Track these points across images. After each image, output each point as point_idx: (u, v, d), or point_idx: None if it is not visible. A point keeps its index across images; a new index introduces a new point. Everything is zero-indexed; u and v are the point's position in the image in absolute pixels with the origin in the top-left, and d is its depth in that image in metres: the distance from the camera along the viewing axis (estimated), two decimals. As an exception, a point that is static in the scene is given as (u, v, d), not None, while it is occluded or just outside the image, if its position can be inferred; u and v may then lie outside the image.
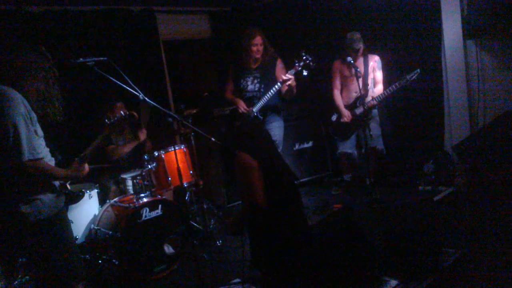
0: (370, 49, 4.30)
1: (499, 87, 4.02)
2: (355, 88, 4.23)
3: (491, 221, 3.00)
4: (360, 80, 4.06)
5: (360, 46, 4.14)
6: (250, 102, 3.95)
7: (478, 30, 3.98)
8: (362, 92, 4.17)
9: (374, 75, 4.30)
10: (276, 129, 4.03)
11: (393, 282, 2.62)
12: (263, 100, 3.85)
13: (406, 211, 3.58)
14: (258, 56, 3.90)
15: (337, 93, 4.46)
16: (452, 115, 4.35)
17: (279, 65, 3.97)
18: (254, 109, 3.89)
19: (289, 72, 3.71)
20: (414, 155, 4.68)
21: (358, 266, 2.43)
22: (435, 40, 4.36)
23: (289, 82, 3.67)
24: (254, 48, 3.86)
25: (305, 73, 3.70)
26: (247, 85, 3.96)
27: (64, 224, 2.29)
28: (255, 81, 3.94)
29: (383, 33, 4.65)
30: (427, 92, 4.51)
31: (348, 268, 2.41)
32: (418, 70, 3.92)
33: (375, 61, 4.28)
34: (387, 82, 4.27)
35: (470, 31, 4.05)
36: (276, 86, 3.77)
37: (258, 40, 3.85)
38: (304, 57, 3.68)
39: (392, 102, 4.78)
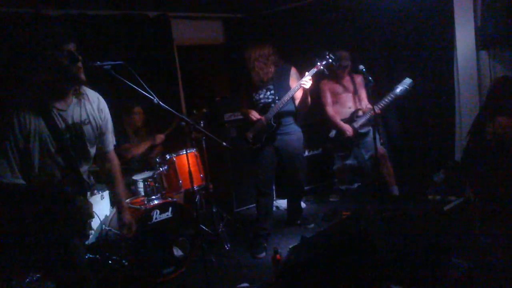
0: (383, 56, 4.34)
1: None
2: (348, 103, 4.48)
3: (501, 232, 2.98)
4: (351, 96, 4.45)
5: (348, 63, 4.30)
6: (263, 110, 3.76)
7: (491, 41, 3.98)
8: (358, 105, 4.44)
9: (360, 93, 4.48)
10: (295, 141, 3.85)
11: (400, 291, 2.61)
12: (278, 106, 3.65)
13: (416, 220, 3.57)
14: (262, 76, 3.73)
15: (331, 110, 4.54)
16: (464, 125, 4.33)
17: (294, 74, 3.80)
18: (269, 115, 3.69)
19: (309, 71, 3.53)
20: (425, 164, 4.66)
21: (365, 272, 2.43)
22: (448, 50, 4.36)
23: (307, 85, 3.50)
24: (256, 69, 3.72)
25: (326, 72, 3.64)
26: (260, 98, 3.79)
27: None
28: (268, 92, 3.77)
29: (396, 43, 4.66)
30: (439, 102, 4.51)
31: (355, 274, 2.42)
32: (407, 78, 4.01)
33: (360, 80, 4.46)
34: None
35: (483, 41, 4.05)
36: (292, 91, 3.60)
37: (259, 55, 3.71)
38: (327, 56, 3.57)
39: (403, 111, 4.78)
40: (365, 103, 4.43)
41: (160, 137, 4.11)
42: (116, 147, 3.77)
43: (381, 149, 4.34)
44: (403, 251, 2.83)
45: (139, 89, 2.52)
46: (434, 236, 3.02)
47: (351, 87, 4.50)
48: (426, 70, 4.51)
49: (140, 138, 4.17)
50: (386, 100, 4.09)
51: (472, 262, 2.85)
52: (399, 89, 4.02)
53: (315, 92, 4.37)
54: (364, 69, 3.82)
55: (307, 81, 3.49)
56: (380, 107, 4.11)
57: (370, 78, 3.88)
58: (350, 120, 4.45)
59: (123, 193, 2.49)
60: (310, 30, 5.24)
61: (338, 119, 4.48)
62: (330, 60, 3.58)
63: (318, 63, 3.56)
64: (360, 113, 4.41)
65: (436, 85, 4.51)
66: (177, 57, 5.07)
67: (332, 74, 4.25)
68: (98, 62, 2.41)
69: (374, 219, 3.12)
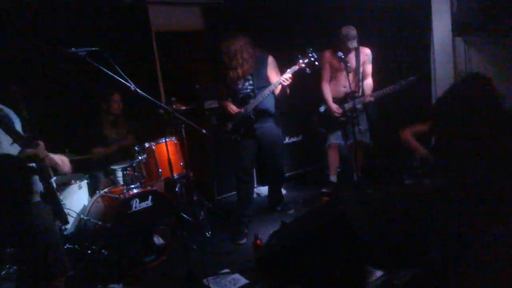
0: (361, 42, 4.25)
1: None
2: (344, 82, 4.24)
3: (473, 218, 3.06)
4: (351, 74, 4.07)
5: (355, 45, 4.10)
6: (243, 101, 3.78)
7: (466, 28, 4.04)
8: (353, 87, 4.16)
9: (364, 68, 4.28)
10: (274, 129, 3.91)
11: (378, 273, 2.68)
12: (257, 99, 3.67)
13: (392, 204, 3.64)
14: (244, 72, 3.70)
15: (326, 86, 4.37)
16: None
17: (271, 63, 3.81)
18: (248, 108, 3.72)
19: (291, 68, 3.54)
20: (401, 149, 4.74)
21: (344, 256, 2.48)
22: (425, 37, 4.41)
23: (287, 83, 3.52)
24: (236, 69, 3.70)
25: (308, 71, 3.57)
26: (238, 88, 3.79)
27: (40, 215, 2.31)
28: (246, 83, 3.77)
29: (373, 29, 4.68)
30: (416, 87, 4.56)
31: (334, 258, 2.46)
32: (413, 77, 3.95)
33: (366, 55, 4.26)
34: (377, 78, 4.31)
35: (459, 28, 4.11)
36: (272, 86, 3.62)
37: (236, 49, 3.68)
38: (310, 55, 3.55)
39: (382, 98, 4.83)
40: (369, 81, 4.26)
41: (130, 139, 4.08)
42: (88, 150, 3.77)
43: (363, 138, 4.30)
44: (382, 234, 2.89)
45: (116, 76, 2.48)
46: (412, 220, 3.08)
47: (353, 65, 4.23)
48: (403, 56, 4.56)
49: (118, 128, 4.11)
50: (385, 90, 4.04)
51: (449, 245, 2.93)
52: (402, 83, 3.96)
53: (296, 81, 4.33)
54: (342, 56, 3.87)
55: (287, 78, 3.50)
56: (376, 96, 4.08)
57: (348, 65, 3.94)
58: (343, 100, 4.30)
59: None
60: (292, 16, 5.22)
61: (330, 98, 4.33)
62: (312, 59, 3.55)
63: (300, 61, 3.54)
64: (363, 98, 4.23)
65: (413, 71, 4.56)
66: (155, 44, 4.99)
67: (336, 49, 4.08)
68: (73, 49, 2.38)
69: (353, 204, 3.17)
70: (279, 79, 3.56)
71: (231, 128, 3.83)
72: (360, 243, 2.66)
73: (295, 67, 3.53)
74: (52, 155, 2.34)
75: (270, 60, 3.80)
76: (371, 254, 2.72)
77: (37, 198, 2.27)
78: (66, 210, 2.93)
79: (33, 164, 2.23)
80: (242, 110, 3.74)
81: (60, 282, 2.32)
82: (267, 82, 3.74)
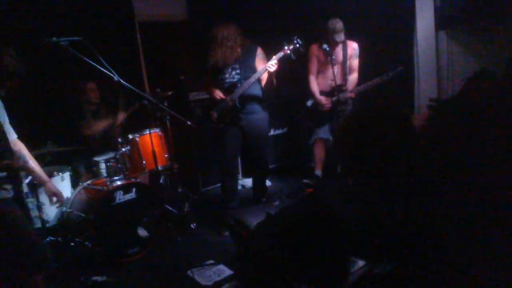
0: (348, 36, 4.26)
1: (466, 74, 4.16)
2: (331, 75, 4.19)
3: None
4: (336, 67, 4.09)
5: (342, 38, 4.09)
6: (229, 91, 3.73)
7: (449, 22, 4.10)
8: (339, 80, 4.17)
9: (350, 62, 4.28)
10: (260, 121, 3.86)
11: (360, 263, 2.72)
12: (243, 87, 3.63)
13: (377, 195, 3.70)
14: (229, 58, 3.64)
15: (312, 79, 4.38)
16: (422, 101, 4.49)
17: (260, 54, 3.76)
18: (234, 96, 3.68)
19: (276, 55, 3.52)
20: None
21: (327, 246, 2.50)
22: (408, 30, 4.45)
23: (273, 69, 3.50)
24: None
25: (293, 57, 3.55)
26: (225, 78, 3.76)
27: (12, 212, 2.28)
28: (233, 72, 3.73)
29: (358, 22, 4.69)
30: (399, 78, 4.62)
31: (319, 248, 2.49)
32: (401, 68, 3.97)
33: (353, 49, 4.26)
34: (361, 72, 4.33)
35: (441, 22, 4.17)
36: (258, 73, 3.59)
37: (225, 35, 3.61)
38: (295, 41, 3.53)
39: (365, 92, 4.87)
40: (355, 75, 4.27)
41: (121, 115, 4.01)
42: (72, 125, 3.72)
43: None
44: (363, 225, 2.93)
45: (99, 67, 2.45)
46: (394, 211, 3.14)
47: (339, 58, 4.24)
48: (386, 50, 4.59)
49: (99, 119, 4.06)
50: (373, 82, 4.05)
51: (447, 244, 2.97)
52: (389, 74, 3.97)
53: (282, 73, 4.33)
54: (327, 48, 3.88)
55: (272, 64, 3.50)
56: (365, 88, 4.09)
57: (333, 57, 3.96)
58: (331, 94, 4.29)
59: (37, 167, 2.58)
60: (278, 8, 5.19)
61: (317, 91, 4.33)
62: (297, 45, 3.55)
63: (285, 47, 3.54)
64: (345, 92, 4.25)
65: (396, 65, 4.61)
66: (139, 34, 4.92)
67: (323, 42, 4.07)
68: (55, 38, 2.33)
69: (336, 194, 3.21)
70: (264, 66, 3.55)
71: (216, 117, 3.82)
72: (343, 234, 2.69)
73: (281, 53, 3.53)
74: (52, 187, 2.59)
75: (259, 51, 3.78)
76: (355, 244, 2.76)
77: (8, 195, 2.25)
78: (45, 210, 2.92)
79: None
80: (228, 98, 3.72)
81: (39, 280, 2.30)
82: (254, 73, 3.70)
